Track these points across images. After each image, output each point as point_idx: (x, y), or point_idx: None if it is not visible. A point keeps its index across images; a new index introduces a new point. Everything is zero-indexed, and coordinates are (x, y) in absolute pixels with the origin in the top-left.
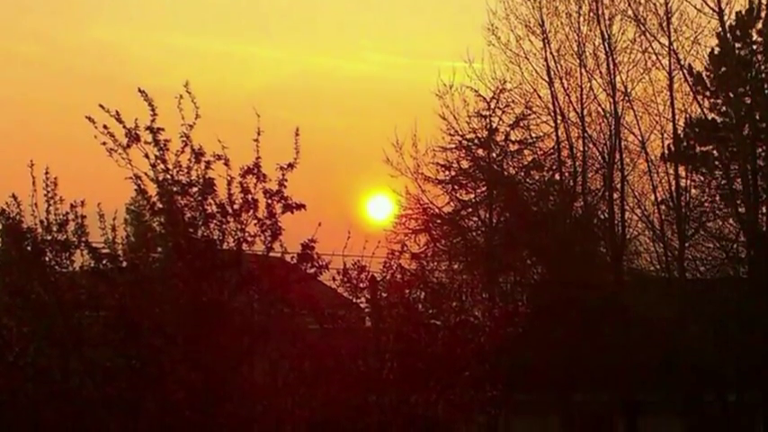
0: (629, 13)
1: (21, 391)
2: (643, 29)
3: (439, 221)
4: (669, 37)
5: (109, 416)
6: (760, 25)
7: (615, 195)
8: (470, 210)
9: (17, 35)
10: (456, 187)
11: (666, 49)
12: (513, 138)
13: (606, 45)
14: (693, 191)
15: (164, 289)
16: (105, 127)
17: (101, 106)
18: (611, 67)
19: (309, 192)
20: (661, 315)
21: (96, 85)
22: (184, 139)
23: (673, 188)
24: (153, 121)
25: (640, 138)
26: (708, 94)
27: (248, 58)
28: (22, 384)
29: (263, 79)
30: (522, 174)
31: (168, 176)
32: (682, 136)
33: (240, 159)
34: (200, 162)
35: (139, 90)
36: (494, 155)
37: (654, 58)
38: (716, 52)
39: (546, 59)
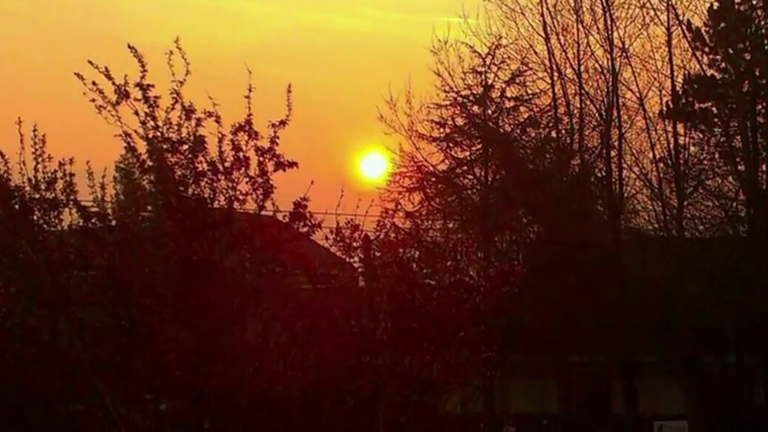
0: None
1: (8, 352)
2: None
3: (433, 179)
4: None
5: (98, 377)
6: None
7: (613, 153)
8: (465, 168)
9: None
10: (451, 145)
11: (665, 4)
12: (508, 94)
13: (603, 0)
14: (692, 148)
15: (154, 248)
16: (94, 83)
17: (89, 62)
18: (609, 22)
19: (302, 149)
20: (659, 274)
21: (85, 40)
22: (175, 95)
23: (671, 146)
24: (143, 77)
25: (638, 94)
26: (707, 50)
27: (240, 14)
28: (10, 345)
29: (255, 35)
30: (518, 131)
31: (158, 134)
32: (680, 93)
33: (231, 116)
34: (191, 119)
35: (129, 46)
36: (489, 112)
37: (652, 13)
38: (715, 7)
39: (542, 15)
